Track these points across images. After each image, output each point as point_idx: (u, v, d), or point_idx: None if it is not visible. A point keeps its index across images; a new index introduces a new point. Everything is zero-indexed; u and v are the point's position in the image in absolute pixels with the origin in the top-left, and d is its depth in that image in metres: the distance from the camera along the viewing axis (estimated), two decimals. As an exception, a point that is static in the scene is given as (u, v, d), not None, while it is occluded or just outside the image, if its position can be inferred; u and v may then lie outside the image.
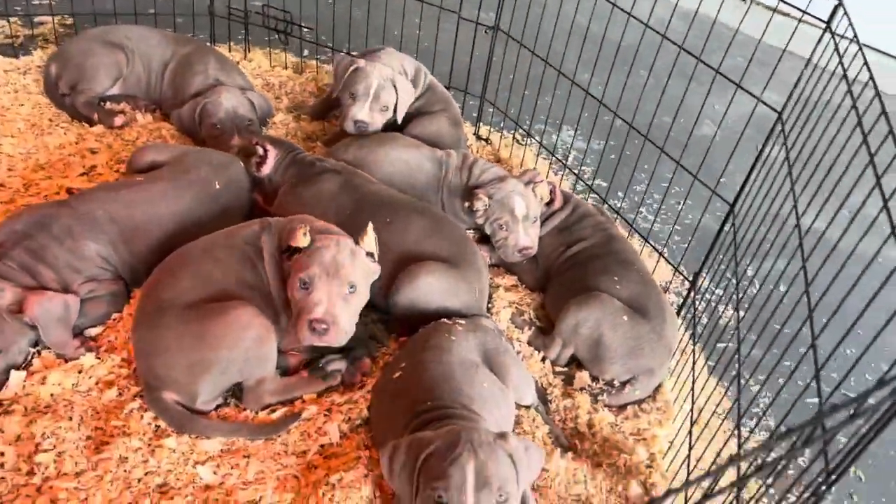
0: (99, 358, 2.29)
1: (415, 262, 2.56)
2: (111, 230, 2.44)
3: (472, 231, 3.14)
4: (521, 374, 2.35)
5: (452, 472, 1.66)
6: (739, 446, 1.67)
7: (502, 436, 1.80)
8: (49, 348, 2.27)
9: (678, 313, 2.91)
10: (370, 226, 2.33)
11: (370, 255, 2.30)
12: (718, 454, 2.01)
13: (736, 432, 1.82)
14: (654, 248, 3.14)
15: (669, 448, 2.34)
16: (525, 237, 2.87)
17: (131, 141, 3.33)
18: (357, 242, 2.28)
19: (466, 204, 2.99)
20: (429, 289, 2.51)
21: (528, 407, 2.40)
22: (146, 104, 3.56)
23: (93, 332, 2.39)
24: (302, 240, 2.21)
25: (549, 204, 3.01)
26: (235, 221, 2.63)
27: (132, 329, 2.24)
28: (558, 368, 2.64)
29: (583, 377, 2.58)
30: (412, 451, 1.76)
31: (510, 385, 2.27)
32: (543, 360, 2.64)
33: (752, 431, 2.55)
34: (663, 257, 3.03)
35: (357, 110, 3.24)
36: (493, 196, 2.90)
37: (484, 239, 3.08)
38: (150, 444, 2.09)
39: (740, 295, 2.16)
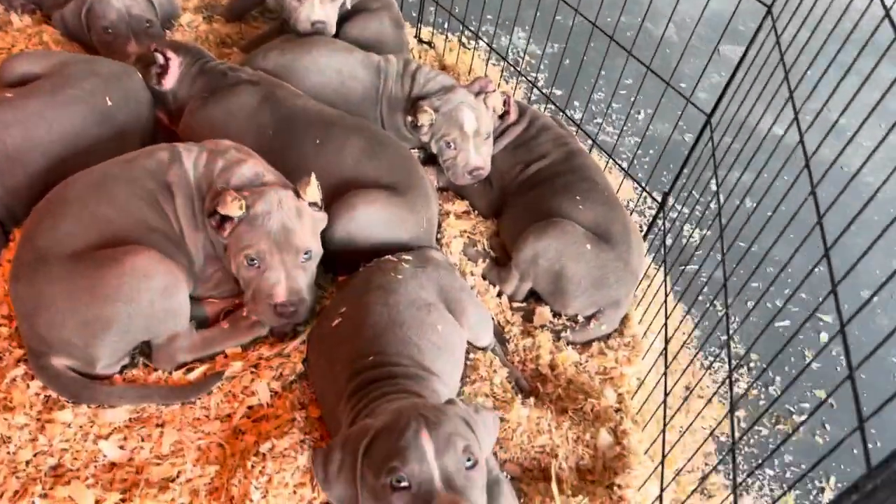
0: (-29, 316, 1.91)
1: (353, 189, 2.21)
2: (-25, 160, 2.00)
3: (416, 150, 2.78)
4: (480, 314, 2.08)
5: (406, 443, 1.38)
6: (732, 406, 1.45)
7: (449, 402, 1.55)
8: None
9: (644, 237, 2.66)
10: (313, 176, 2.00)
11: (314, 203, 2.01)
12: (690, 389, 1.81)
13: (725, 380, 1.61)
14: (618, 165, 2.86)
15: (639, 388, 2.14)
16: (476, 156, 2.54)
17: (5, 49, 2.78)
18: (297, 194, 1.96)
19: (409, 118, 2.61)
20: (369, 220, 2.17)
21: (483, 349, 2.15)
22: (23, 4, 2.99)
23: (-38, 284, 1.99)
24: (234, 210, 1.87)
25: (502, 117, 2.66)
26: (134, 146, 2.21)
27: (9, 284, 1.84)
28: (516, 304, 2.37)
29: (543, 313, 2.33)
30: (349, 447, 1.46)
31: (466, 326, 2.01)
32: (499, 295, 2.37)
33: (716, 358, 2.38)
34: (630, 176, 2.74)
35: (310, 8, 2.75)
36: (439, 109, 2.53)
37: (431, 159, 2.73)
38: (38, 419, 1.75)
39: (723, 221, 1.90)
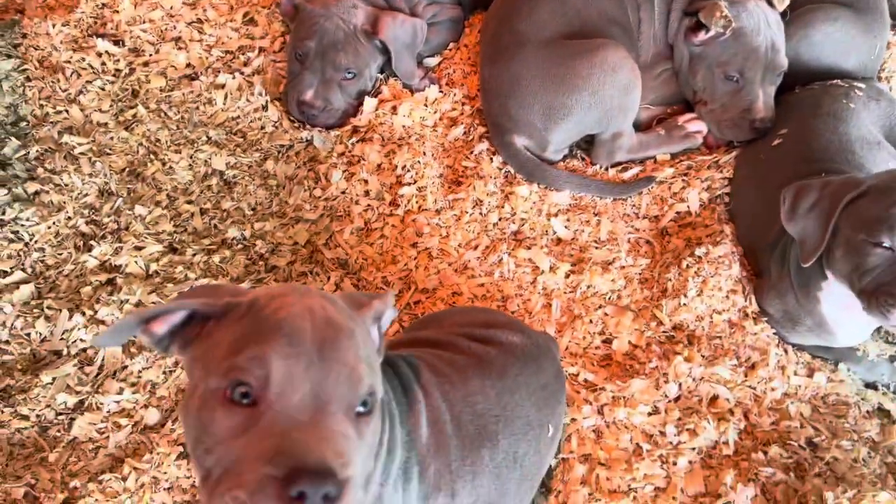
0: (442, 91, 2.15)
1: (807, 2, 2.04)
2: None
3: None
4: (936, 159, 1.91)
5: None
6: None
7: None
8: (394, 77, 2.15)
9: None
10: None
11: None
12: None
13: None
14: None
15: None
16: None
17: None
18: (771, 2, 1.88)
19: None
20: (825, 40, 2.02)
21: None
22: None
23: (431, 62, 2.23)
24: (721, 26, 1.86)
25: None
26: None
27: (481, 63, 2.04)
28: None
29: None
30: (829, 192, 1.50)
31: (919, 170, 1.86)
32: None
33: None
34: None
35: None
36: None
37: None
38: (503, 191, 1.99)
39: None
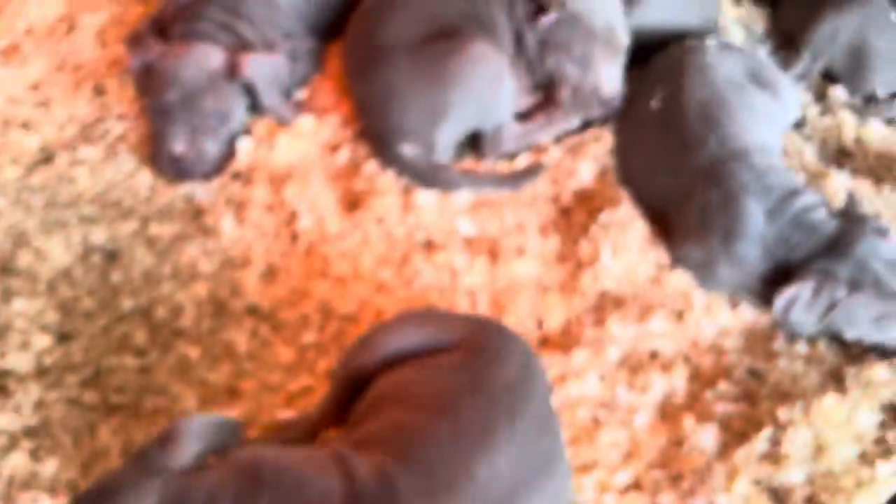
0: (317, 122, 2.10)
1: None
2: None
3: None
4: (791, 88, 2.09)
5: None
6: None
7: None
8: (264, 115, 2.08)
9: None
10: None
11: None
12: None
13: None
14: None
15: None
16: None
17: None
18: None
19: None
20: (663, 5, 2.15)
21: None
22: None
23: (299, 95, 2.19)
24: (556, 4, 1.93)
25: None
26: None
27: (353, 83, 2.04)
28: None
29: (835, 91, 2.26)
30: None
31: (780, 102, 2.02)
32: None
33: None
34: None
35: None
36: None
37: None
38: (402, 202, 1.95)
39: None
